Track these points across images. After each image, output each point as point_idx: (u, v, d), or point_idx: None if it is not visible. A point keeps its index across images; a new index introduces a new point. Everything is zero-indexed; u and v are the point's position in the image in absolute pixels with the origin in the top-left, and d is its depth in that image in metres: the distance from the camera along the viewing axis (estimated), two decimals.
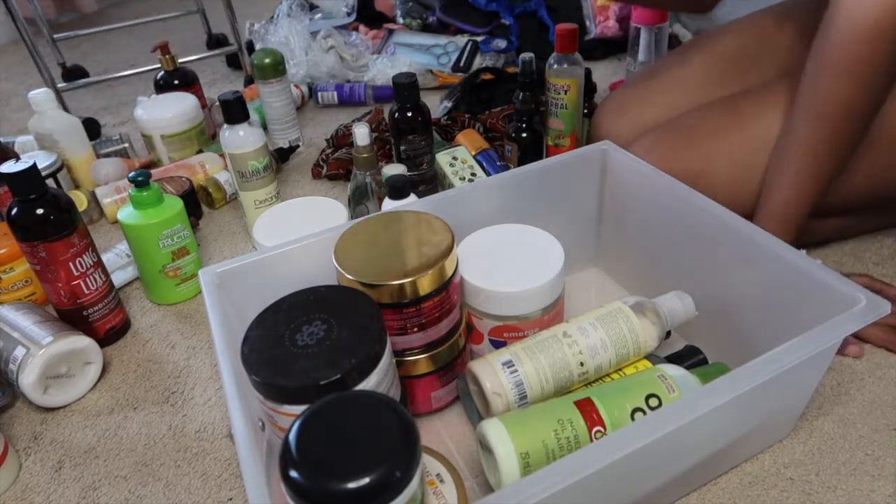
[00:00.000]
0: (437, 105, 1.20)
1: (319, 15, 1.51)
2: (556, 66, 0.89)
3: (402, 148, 0.89)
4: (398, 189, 0.71)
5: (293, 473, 0.35)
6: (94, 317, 0.74)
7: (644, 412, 0.49)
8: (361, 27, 1.48)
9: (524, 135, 0.91)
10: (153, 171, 1.02)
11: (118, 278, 0.85)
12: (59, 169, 0.98)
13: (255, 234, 0.73)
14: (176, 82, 1.16)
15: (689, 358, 0.60)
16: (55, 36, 1.57)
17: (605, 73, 1.36)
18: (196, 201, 0.97)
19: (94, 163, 1.05)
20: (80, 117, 1.13)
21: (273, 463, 0.55)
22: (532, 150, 0.92)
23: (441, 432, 0.60)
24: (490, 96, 1.15)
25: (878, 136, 0.65)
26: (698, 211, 0.59)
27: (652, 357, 0.58)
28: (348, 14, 1.51)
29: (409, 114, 0.86)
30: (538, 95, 0.92)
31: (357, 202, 0.84)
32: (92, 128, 1.28)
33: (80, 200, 0.99)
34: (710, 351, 0.62)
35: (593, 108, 1.05)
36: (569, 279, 0.73)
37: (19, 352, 0.66)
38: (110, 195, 0.99)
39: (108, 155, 1.13)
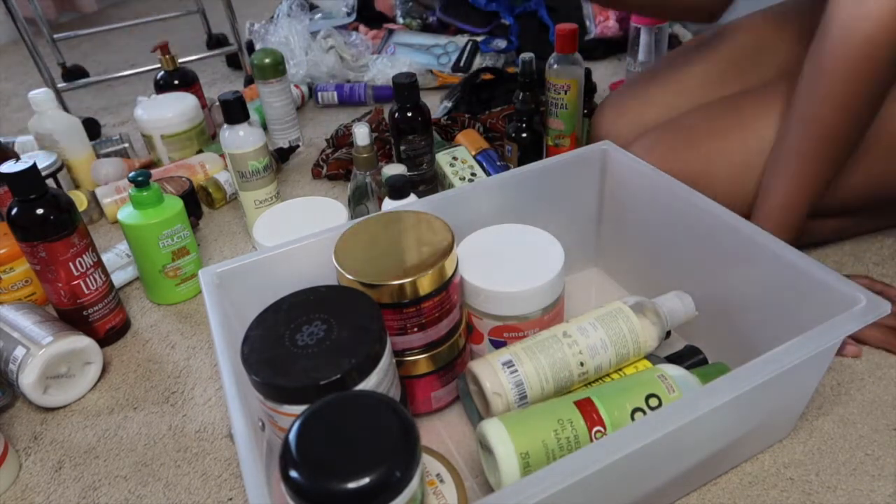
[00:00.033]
0: (437, 105, 1.20)
1: (319, 15, 1.51)
2: (556, 66, 0.89)
3: (402, 148, 0.89)
4: (398, 189, 0.71)
5: (293, 473, 0.35)
6: (94, 317, 0.74)
7: (644, 412, 0.49)
8: (361, 27, 1.48)
9: (524, 135, 0.91)
10: (153, 171, 1.02)
11: (118, 278, 0.85)
12: (59, 169, 0.98)
13: (255, 234, 0.73)
14: (176, 82, 1.16)
15: (689, 358, 0.60)
16: (55, 36, 1.57)
17: (605, 73, 1.36)
18: (196, 201, 0.97)
19: (94, 163, 1.05)
20: (80, 117, 1.13)
21: (273, 463, 0.55)
22: (532, 150, 0.92)
23: (441, 432, 0.60)
24: (490, 96, 1.15)
25: (877, 140, 0.65)
26: (698, 211, 0.59)
27: (652, 357, 0.58)
28: (348, 14, 1.51)
29: (409, 114, 0.86)
30: (538, 95, 0.92)
31: (357, 202, 0.84)
32: (92, 128, 1.28)
33: (80, 200, 0.99)
34: (710, 351, 0.62)
35: (593, 108, 1.05)
36: (569, 279, 0.74)
37: (19, 352, 0.66)
38: (110, 195, 0.99)
39: (108, 155, 1.13)
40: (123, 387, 0.71)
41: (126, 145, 1.16)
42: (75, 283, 0.71)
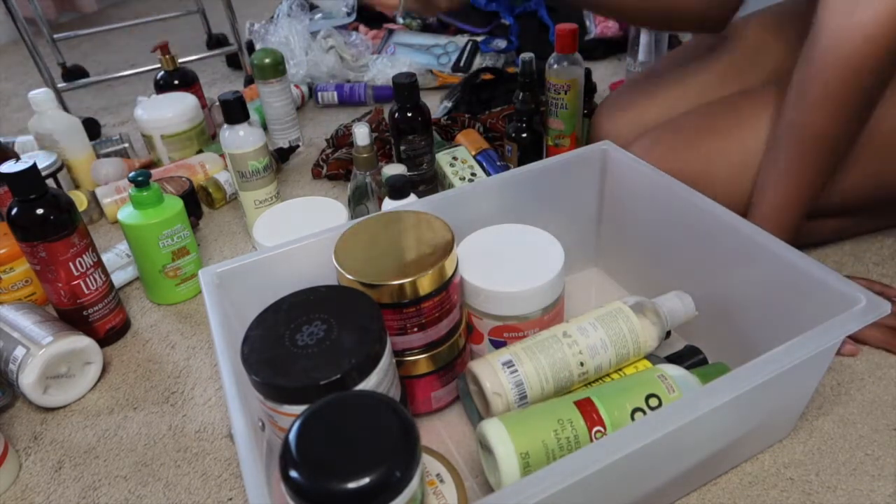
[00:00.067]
0: (437, 105, 1.20)
1: (319, 15, 1.51)
2: (556, 66, 0.89)
3: (402, 148, 0.89)
4: (398, 189, 0.71)
5: (293, 473, 0.35)
6: (94, 317, 0.74)
7: (644, 412, 0.49)
8: (361, 27, 1.48)
9: (524, 135, 0.91)
10: (153, 171, 1.02)
11: (118, 278, 0.85)
12: (59, 169, 0.98)
13: (255, 234, 0.73)
14: (176, 82, 1.16)
15: (689, 358, 0.60)
16: (55, 36, 1.57)
17: (605, 73, 1.36)
18: (196, 201, 0.97)
19: (94, 163, 1.05)
20: (80, 117, 1.13)
21: (273, 463, 0.55)
22: (532, 150, 0.92)
23: (441, 432, 0.60)
24: (490, 96, 1.15)
25: (872, 140, 0.65)
26: (698, 211, 0.59)
27: (652, 357, 0.58)
28: (348, 14, 1.51)
29: (409, 114, 0.86)
30: (538, 95, 0.92)
31: (357, 202, 0.84)
32: (92, 128, 1.28)
33: (80, 200, 0.99)
34: (710, 351, 0.62)
35: (593, 108, 1.05)
36: (569, 279, 0.74)
37: (19, 352, 0.66)
38: (110, 195, 0.99)
39: (108, 155, 1.13)
40: (123, 387, 0.71)
41: (126, 145, 1.16)
42: (75, 283, 0.71)
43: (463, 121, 1.08)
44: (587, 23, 1.41)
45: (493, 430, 0.48)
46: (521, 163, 0.89)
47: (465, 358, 0.61)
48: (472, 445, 0.59)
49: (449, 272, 0.54)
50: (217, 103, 1.23)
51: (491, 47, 1.34)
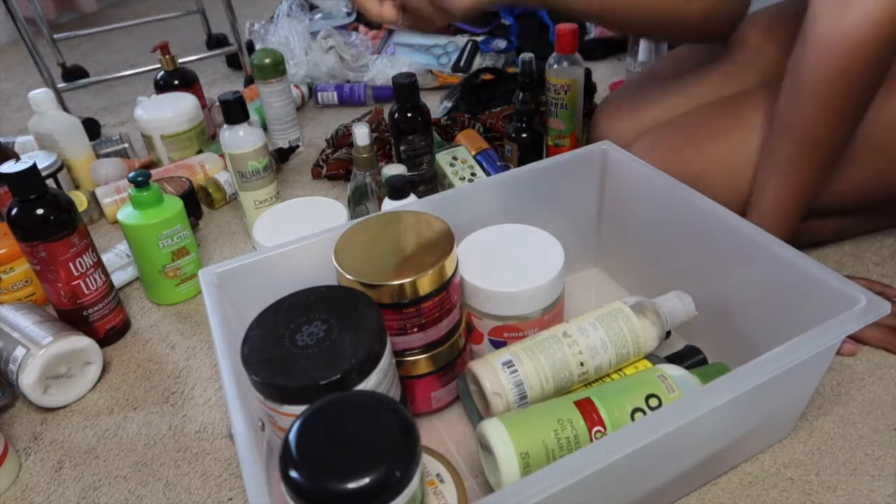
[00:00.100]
0: (437, 105, 1.20)
1: (319, 15, 1.51)
2: (556, 66, 0.89)
3: (402, 148, 0.89)
4: (398, 189, 0.71)
5: (293, 473, 0.35)
6: (94, 317, 0.74)
7: (644, 412, 0.49)
8: (361, 27, 1.48)
9: (524, 135, 0.91)
10: (153, 171, 1.02)
11: (118, 278, 0.85)
12: (59, 169, 0.98)
13: (255, 235, 0.73)
14: (176, 82, 1.16)
15: (689, 358, 0.60)
16: (55, 36, 1.57)
17: (605, 73, 1.36)
18: (196, 201, 0.97)
19: (94, 163, 1.05)
20: (80, 117, 1.13)
21: (273, 463, 0.55)
22: (532, 150, 0.92)
23: (441, 432, 0.60)
24: (490, 96, 1.15)
25: (871, 139, 0.65)
26: (698, 211, 0.59)
27: (652, 357, 0.58)
28: (348, 14, 1.51)
29: (409, 114, 0.86)
30: (538, 95, 0.92)
31: (357, 202, 0.84)
32: (92, 128, 1.28)
33: (80, 200, 0.99)
34: (710, 351, 0.62)
35: (593, 108, 1.05)
36: (569, 279, 0.74)
37: (19, 352, 0.66)
38: (110, 195, 0.99)
39: (108, 155, 1.13)
40: (123, 387, 0.71)
41: (126, 145, 1.16)
42: (75, 283, 0.71)
43: (463, 121, 1.08)
44: (587, 23, 1.41)
45: (493, 430, 0.48)
46: (521, 163, 0.89)
47: (465, 358, 0.61)
48: (472, 445, 0.59)
49: (449, 272, 0.54)
50: (217, 103, 1.23)
51: (491, 47, 1.34)
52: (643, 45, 1.18)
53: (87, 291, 0.72)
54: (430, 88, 1.35)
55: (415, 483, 0.37)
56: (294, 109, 1.16)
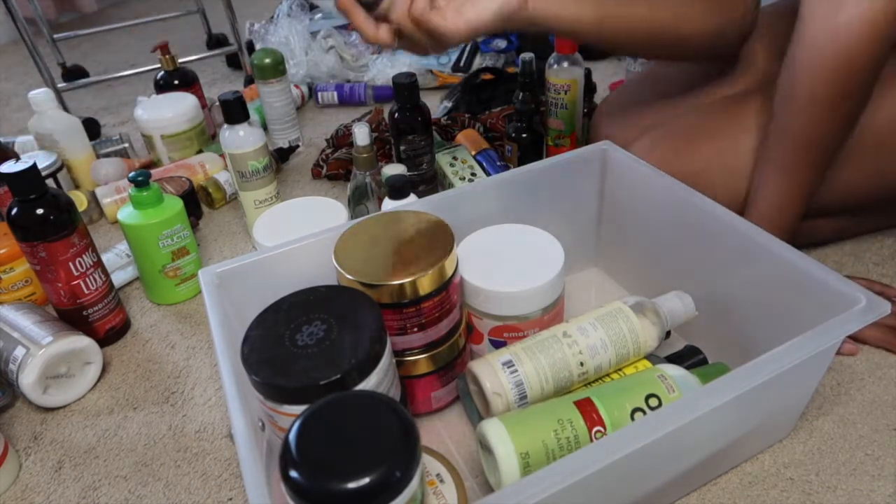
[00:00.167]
0: (437, 105, 1.20)
1: (319, 15, 1.51)
2: (556, 66, 0.89)
3: (402, 148, 0.89)
4: (398, 189, 0.71)
5: (293, 473, 0.35)
6: (94, 317, 0.74)
7: (644, 412, 0.49)
8: None
9: (524, 135, 0.91)
10: (153, 171, 1.02)
11: (118, 278, 0.85)
12: (59, 169, 0.98)
13: (255, 234, 0.73)
14: (176, 82, 1.16)
15: (689, 358, 0.60)
16: (55, 36, 1.57)
17: (605, 73, 1.36)
18: (196, 201, 0.97)
19: (94, 163, 1.05)
20: (80, 117, 1.13)
21: (273, 463, 0.55)
22: (532, 150, 0.92)
23: (441, 432, 0.60)
24: (490, 96, 1.15)
25: (869, 138, 0.65)
26: (698, 211, 0.59)
27: (652, 357, 0.58)
28: None
29: (409, 114, 0.86)
30: (538, 95, 0.92)
31: (357, 202, 0.84)
32: (92, 128, 1.28)
33: (80, 200, 0.99)
34: (710, 351, 0.62)
35: (593, 108, 1.05)
36: (569, 279, 0.73)
37: (19, 352, 0.66)
38: (110, 195, 0.99)
39: (108, 155, 1.13)
40: (123, 387, 0.71)
41: (126, 145, 1.16)
42: (75, 283, 0.71)
43: (463, 121, 1.08)
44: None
45: (493, 430, 0.48)
46: (521, 163, 0.89)
47: (465, 358, 0.61)
48: (472, 445, 0.59)
49: (449, 272, 0.54)
50: (217, 103, 1.23)
51: (491, 47, 1.34)
52: None
53: (86, 291, 0.72)
54: (430, 88, 1.35)
55: (415, 483, 0.37)
56: (294, 109, 1.16)
